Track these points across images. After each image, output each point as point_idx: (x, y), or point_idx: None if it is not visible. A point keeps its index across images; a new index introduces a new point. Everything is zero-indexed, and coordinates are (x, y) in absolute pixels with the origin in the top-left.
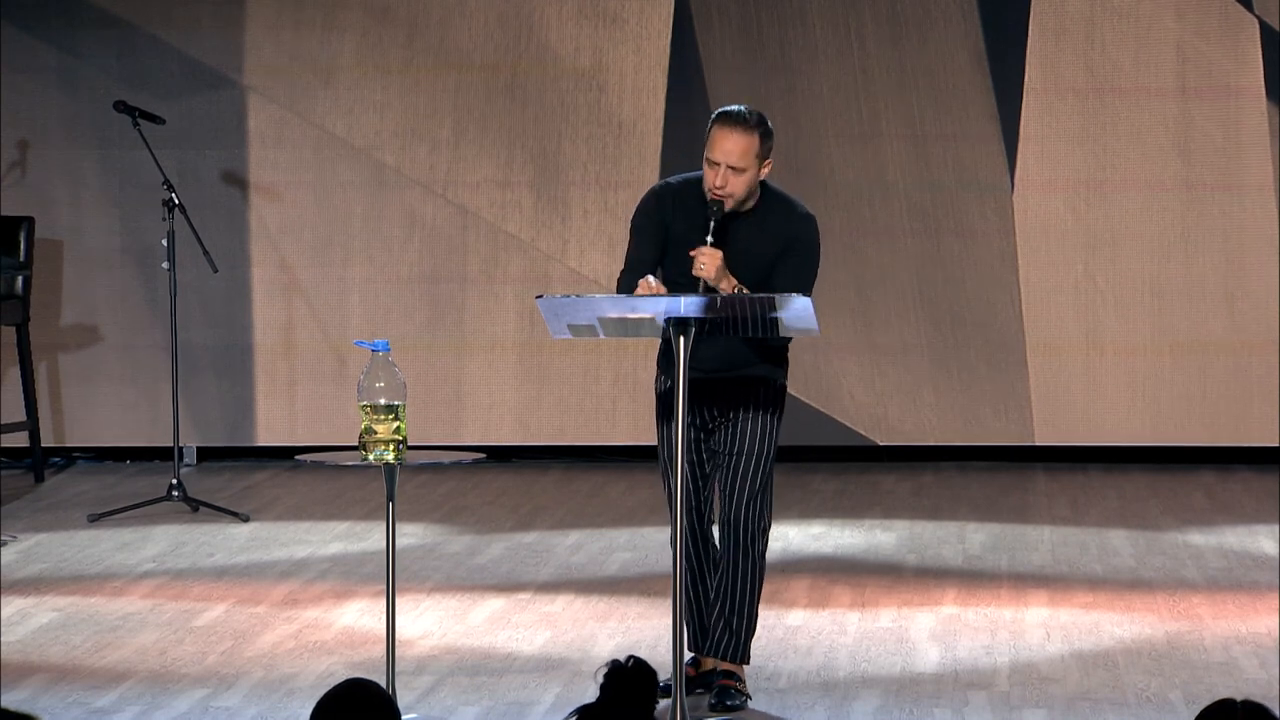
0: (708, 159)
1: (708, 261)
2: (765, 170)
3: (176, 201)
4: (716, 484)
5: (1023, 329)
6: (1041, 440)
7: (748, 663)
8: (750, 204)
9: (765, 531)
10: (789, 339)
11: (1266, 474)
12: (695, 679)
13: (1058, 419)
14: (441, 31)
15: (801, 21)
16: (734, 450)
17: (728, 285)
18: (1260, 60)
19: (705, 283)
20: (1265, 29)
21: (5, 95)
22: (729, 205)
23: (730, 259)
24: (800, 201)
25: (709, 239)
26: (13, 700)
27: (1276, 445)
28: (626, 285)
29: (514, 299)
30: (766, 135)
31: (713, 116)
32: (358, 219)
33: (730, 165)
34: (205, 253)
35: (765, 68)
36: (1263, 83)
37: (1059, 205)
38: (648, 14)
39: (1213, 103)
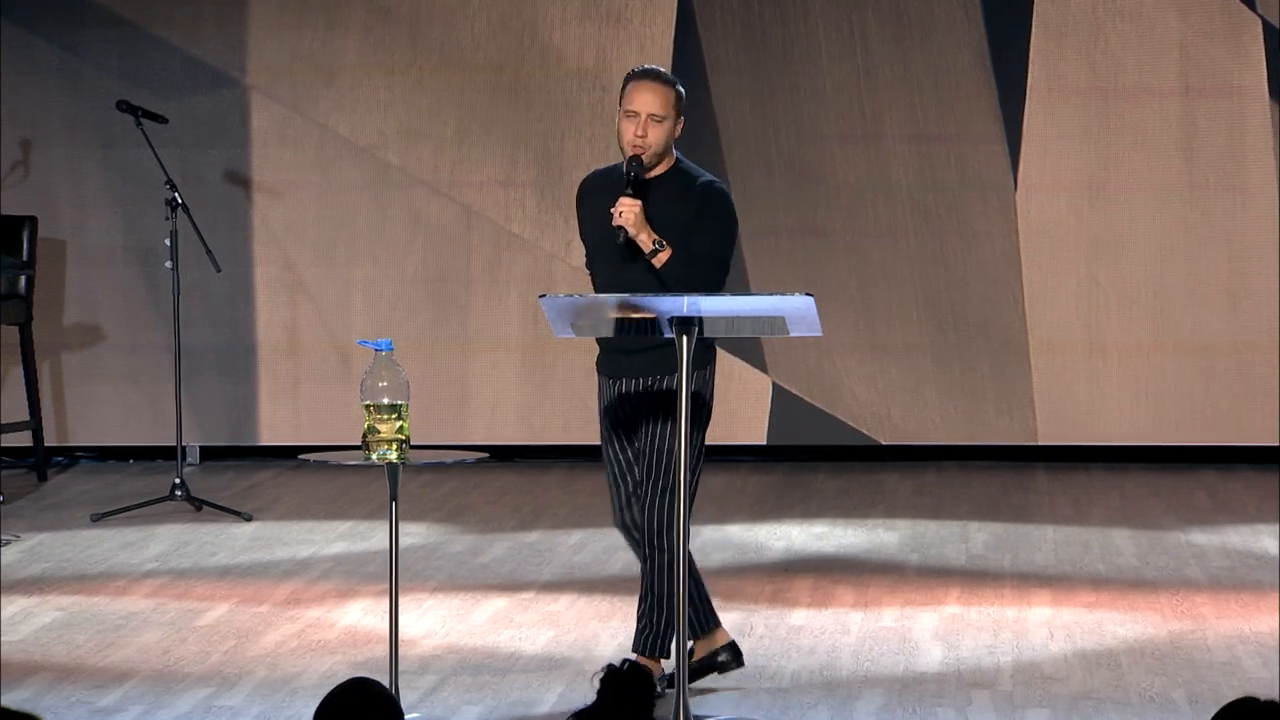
0: (626, 111)
1: (626, 209)
2: (679, 130)
3: (179, 201)
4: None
5: (1025, 329)
6: (1044, 440)
7: (666, 657)
8: (661, 169)
9: (669, 529)
10: (709, 348)
11: (1268, 473)
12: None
13: (1060, 418)
14: (445, 31)
15: (804, 22)
16: (647, 450)
17: (647, 237)
18: (1263, 60)
19: (625, 232)
20: (1268, 28)
21: (8, 95)
22: (646, 159)
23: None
24: (709, 173)
25: (628, 190)
26: (16, 700)
27: (1278, 445)
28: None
29: (517, 298)
30: (681, 93)
31: (626, 76)
32: (361, 218)
33: (650, 114)
34: (208, 252)
35: (768, 68)
36: (1266, 82)
37: (1062, 205)
38: (651, 14)
39: (1216, 102)
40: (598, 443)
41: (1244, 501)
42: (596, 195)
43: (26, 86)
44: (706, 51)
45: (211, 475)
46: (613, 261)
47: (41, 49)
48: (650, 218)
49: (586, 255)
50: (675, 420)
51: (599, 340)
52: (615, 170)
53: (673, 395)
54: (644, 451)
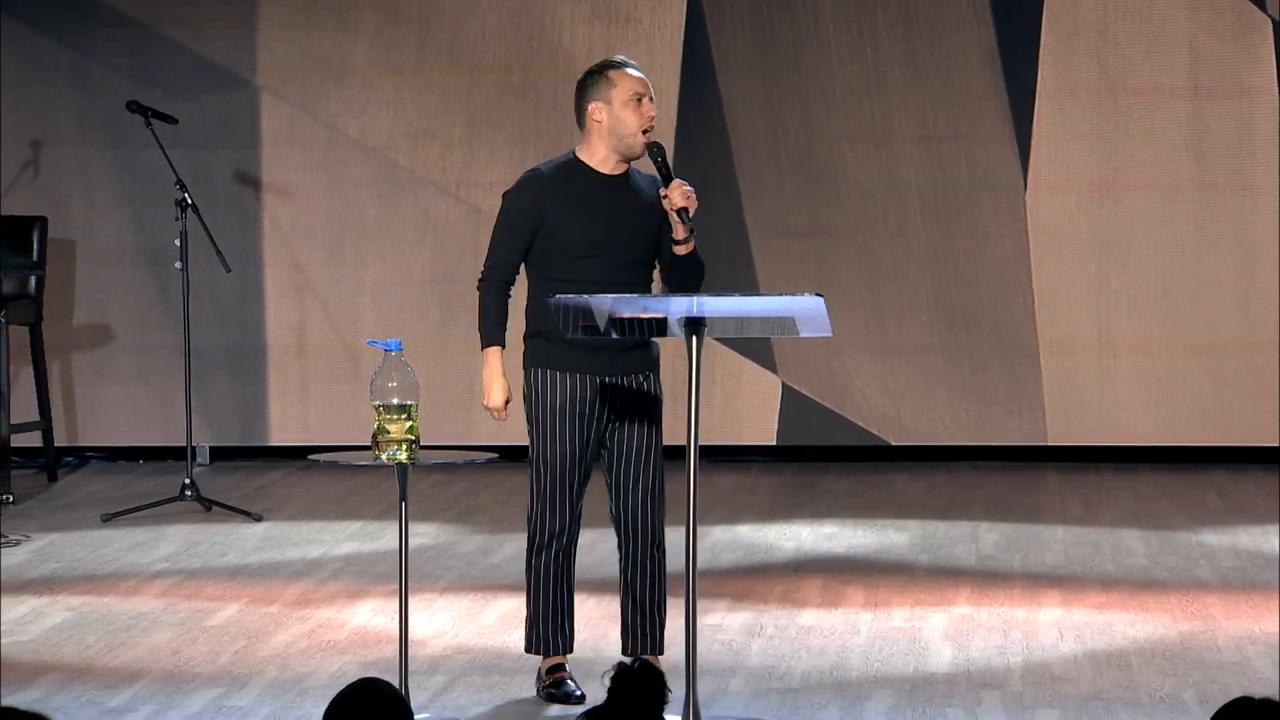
0: (635, 94)
1: (691, 191)
2: None
3: (189, 201)
4: (619, 484)
5: (1035, 329)
6: (1054, 440)
7: (662, 652)
8: (626, 166)
9: (664, 526)
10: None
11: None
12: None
13: (1071, 419)
14: (454, 31)
15: (814, 22)
16: (640, 449)
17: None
18: (1273, 60)
19: (686, 213)
20: (1278, 29)
21: (17, 95)
22: None
23: (622, 219)
24: None
25: (661, 176)
26: (26, 700)
27: None
28: (494, 286)
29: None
30: None
31: (604, 66)
32: (370, 219)
33: (651, 97)
34: (218, 252)
35: (778, 69)
36: (1276, 82)
37: (1072, 205)
38: (660, 14)
39: (1226, 102)
40: None
41: (1255, 502)
42: (569, 191)
43: (36, 86)
44: (716, 52)
45: (221, 475)
46: (606, 259)
47: (51, 49)
48: (632, 210)
49: (514, 253)
50: (660, 419)
51: (556, 334)
52: (568, 167)
53: (650, 389)
54: (637, 451)
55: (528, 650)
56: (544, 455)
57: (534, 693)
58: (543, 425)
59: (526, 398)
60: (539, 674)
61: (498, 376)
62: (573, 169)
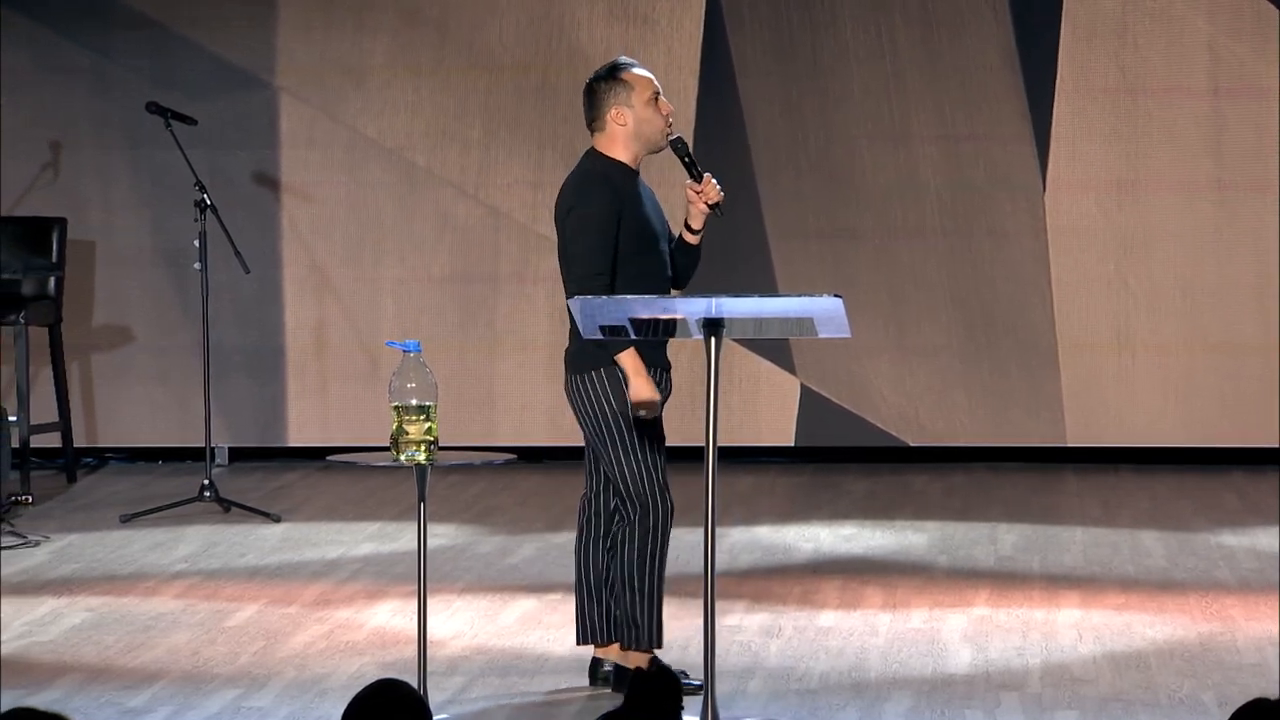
0: (654, 92)
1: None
2: None
3: (208, 202)
4: None
5: (1054, 329)
6: (1073, 441)
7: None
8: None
9: None
10: None
11: None
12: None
13: (1089, 420)
14: (472, 32)
15: (833, 23)
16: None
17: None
18: None
19: (720, 208)
20: None
21: (37, 96)
22: None
23: (659, 213)
24: None
25: (696, 170)
26: (45, 700)
27: None
28: (603, 293)
29: (545, 299)
30: None
31: (614, 70)
32: (389, 219)
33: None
34: (237, 253)
35: (796, 69)
36: None
37: (1090, 205)
38: (679, 15)
39: (1244, 103)
40: None
41: (1273, 503)
42: (627, 189)
43: (55, 88)
44: (735, 53)
45: (240, 476)
46: (664, 253)
47: (70, 50)
48: (653, 204)
49: (613, 257)
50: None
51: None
52: (612, 166)
53: None
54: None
55: (644, 647)
56: (646, 444)
57: (549, 691)
58: (630, 420)
59: (604, 397)
60: (607, 668)
61: (646, 374)
62: (616, 168)
